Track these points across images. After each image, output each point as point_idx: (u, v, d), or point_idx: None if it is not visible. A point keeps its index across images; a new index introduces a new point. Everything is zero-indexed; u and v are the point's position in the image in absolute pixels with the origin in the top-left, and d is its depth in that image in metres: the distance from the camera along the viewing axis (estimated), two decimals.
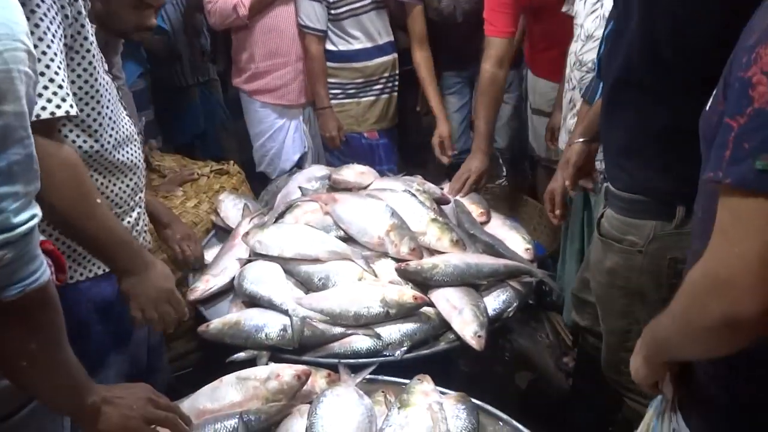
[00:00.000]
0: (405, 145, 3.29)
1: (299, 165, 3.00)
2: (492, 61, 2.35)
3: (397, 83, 3.04)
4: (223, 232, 2.22)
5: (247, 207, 2.23)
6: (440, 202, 2.15)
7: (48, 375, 0.92)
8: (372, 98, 2.97)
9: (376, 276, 1.77)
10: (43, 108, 1.10)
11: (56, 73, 1.11)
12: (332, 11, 2.78)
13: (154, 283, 1.33)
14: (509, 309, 1.77)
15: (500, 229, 2.10)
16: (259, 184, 2.85)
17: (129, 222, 1.43)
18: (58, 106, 1.11)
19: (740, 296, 0.72)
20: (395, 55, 3.00)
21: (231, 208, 2.24)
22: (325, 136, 2.96)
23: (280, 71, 2.96)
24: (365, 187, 2.17)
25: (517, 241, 2.02)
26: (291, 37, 2.86)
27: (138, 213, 1.47)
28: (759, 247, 0.72)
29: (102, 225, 1.22)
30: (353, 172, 2.21)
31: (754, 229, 0.72)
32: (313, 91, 2.93)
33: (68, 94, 1.13)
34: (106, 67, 1.32)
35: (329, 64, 2.88)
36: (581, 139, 1.81)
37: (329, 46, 2.85)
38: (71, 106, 1.13)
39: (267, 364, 1.56)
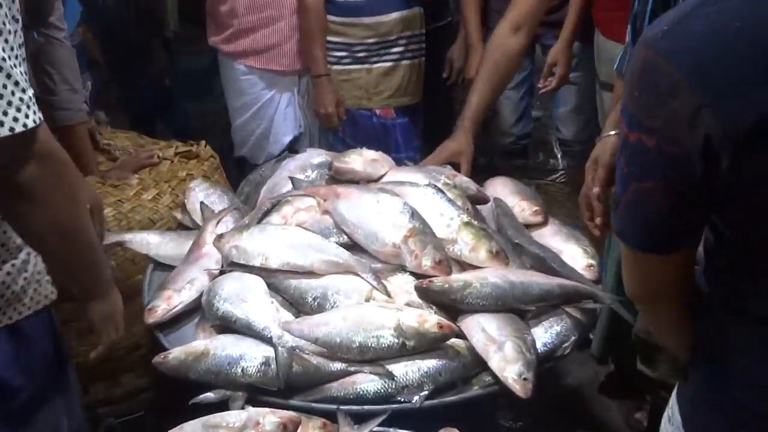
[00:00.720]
0: (431, 128, 3.30)
1: (292, 150, 3.01)
2: (507, 24, 2.34)
3: (423, 46, 3.03)
4: (189, 232, 2.22)
5: (218, 199, 2.24)
6: (476, 200, 2.14)
7: None
8: (388, 65, 2.97)
9: (389, 296, 1.77)
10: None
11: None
12: None
13: (119, 308, 1.52)
14: (565, 345, 1.76)
15: (555, 238, 2.09)
16: (238, 173, 2.87)
17: (13, 266, 1.39)
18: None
19: None
20: (420, 8, 2.99)
21: (203, 198, 2.23)
22: (320, 112, 2.97)
23: (270, 27, 2.97)
24: (377, 180, 2.16)
25: (577, 255, 2.01)
26: None
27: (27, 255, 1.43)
28: None
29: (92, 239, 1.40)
30: (362, 160, 2.20)
31: None
32: (308, 53, 2.93)
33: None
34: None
35: (330, 18, 2.88)
36: (615, 131, 1.81)
37: None
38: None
39: (243, 408, 1.55)
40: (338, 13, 2.89)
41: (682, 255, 1.11)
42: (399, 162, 2.34)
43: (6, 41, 1.15)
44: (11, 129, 1.14)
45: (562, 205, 2.75)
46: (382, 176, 2.18)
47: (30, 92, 1.18)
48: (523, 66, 3.18)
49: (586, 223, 1.95)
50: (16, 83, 1.15)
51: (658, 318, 1.27)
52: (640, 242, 1.11)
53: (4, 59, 1.13)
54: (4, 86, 1.13)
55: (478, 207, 2.13)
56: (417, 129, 3.16)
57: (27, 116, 1.16)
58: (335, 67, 2.94)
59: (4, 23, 1.15)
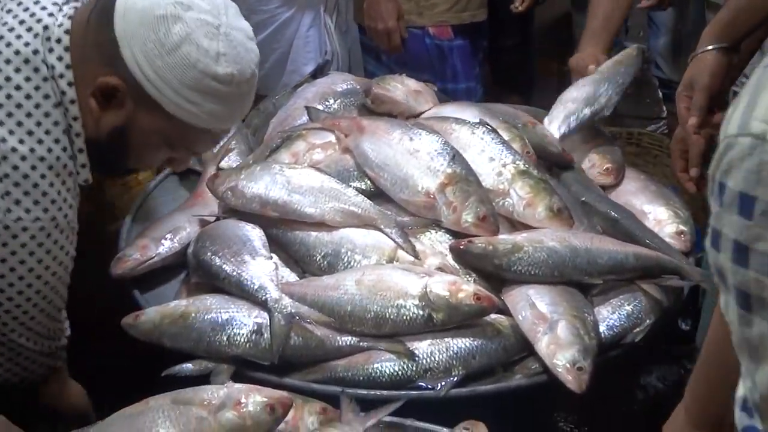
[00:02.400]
0: (497, 53, 3.28)
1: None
2: None
3: None
4: (188, 175, 2.25)
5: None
6: (557, 162, 2.10)
7: None
8: None
9: (416, 257, 1.77)
10: None
11: None
12: None
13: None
14: (637, 329, 1.75)
15: (639, 197, 2.08)
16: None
17: None
18: None
19: None
20: None
21: None
22: (377, 28, 2.94)
23: None
24: (417, 116, 2.16)
25: (664, 218, 2.00)
26: None
27: None
28: None
29: None
30: (404, 89, 2.21)
31: None
32: None
33: None
34: None
35: None
36: (714, 45, 1.78)
37: None
38: None
39: (224, 383, 1.56)
40: None
41: None
42: (456, 95, 2.32)
43: None
44: None
45: (659, 162, 2.67)
46: (423, 112, 2.19)
47: None
48: None
49: (678, 175, 1.90)
50: None
51: None
52: None
53: None
54: None
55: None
56: (479, 54, 3.12)
57: None
58: None
59: None
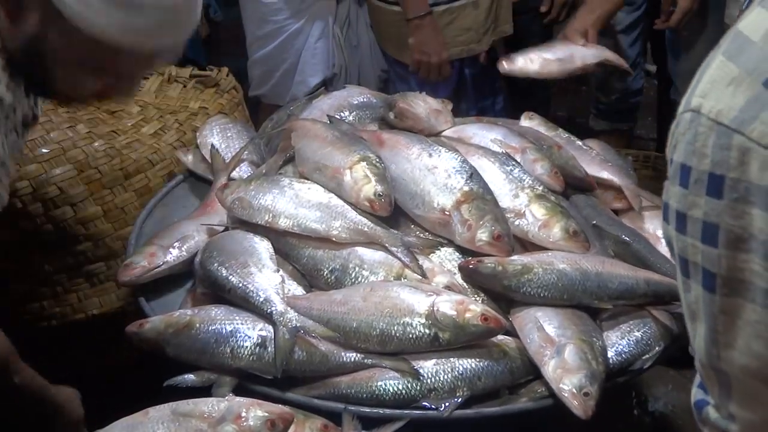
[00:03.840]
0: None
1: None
2: None
3: None
4: (199, 183, 2.26)
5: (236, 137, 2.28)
6: (580, 186, 2.10)
7: None
8: None
9: (423, 276, 1.76)
10: None
11: None
12: None
13: None
14: (646, 356, 1.73)
15: (653, 220, 2.06)
16: (251, 115, 2.86)
17: None
18: None
19: None
20: None
21: (218, 142, 2.26)
22: (425, 61, 2.92)
23: None
24: (437, 134, 2.18)
25: None
26: None
27: None
28: None
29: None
30: (426, 106, 2.22)
31: None
32: None
33: None
34: None
35: None
36: None
37: None
38: None
39: (226, 396, 1.56)
40: None
41: None
42: (483, 110, 2.33)
43: None
44: None
45: None
46: (443, 131, 2.20)
47: None
48: (636, 3, 3.12)
49: None
50: None
51: None
52: None
53: None
54: None
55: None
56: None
57: None
58: (436, 8, 2.89)
59: None
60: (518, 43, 2.99)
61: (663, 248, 1.94)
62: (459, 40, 2.92)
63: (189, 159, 2.31)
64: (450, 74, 2.97)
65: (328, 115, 2.19)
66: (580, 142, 2.26)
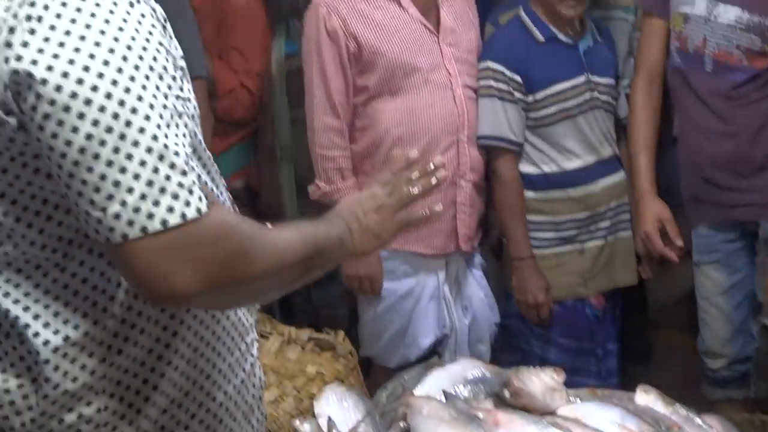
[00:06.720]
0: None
1: (431, 355, 3.00)
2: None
3: (628, 215, 3.12)
4: None
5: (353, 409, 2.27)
6: None
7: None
8: (599, 242, 3.06)
9: None
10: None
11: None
12: (532, 114, 2.98)
13: None
14: None
15: None
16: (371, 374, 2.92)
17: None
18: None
19: None
20: (623, 173, 3.12)
21: (335, 413, 2.23)
22: (526, 302, 3.01)
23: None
24: (552, 413, 2.16)
25: None
26: (439, 132, 2.92)
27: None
28: None
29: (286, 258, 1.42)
30: (540, 383, 2.18)
31: None
32: (505, 233, 3.03)
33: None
34: None
35: (528, 194, 3.02)
36: None
37: (526, 168, 3.02)
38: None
39: None
40: (538, 187, 3.03)
41: None
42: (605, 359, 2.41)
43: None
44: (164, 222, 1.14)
45: None
46: (557, 408, 2.17)
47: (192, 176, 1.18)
48: (735, 267, 2.94)
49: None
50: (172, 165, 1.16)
51: None
52: None
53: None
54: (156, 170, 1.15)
55: None
56: (618, 323, 3.19)
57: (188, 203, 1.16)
58: (538, 251, 3.01)
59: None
60: None
61: None
62: (564, 283, 3.02)
63: (306, 429, 2.28)
64: (546, 317, 3.02)
65: (444, 391, 2.21)
66: (699, 420, 2.20)
